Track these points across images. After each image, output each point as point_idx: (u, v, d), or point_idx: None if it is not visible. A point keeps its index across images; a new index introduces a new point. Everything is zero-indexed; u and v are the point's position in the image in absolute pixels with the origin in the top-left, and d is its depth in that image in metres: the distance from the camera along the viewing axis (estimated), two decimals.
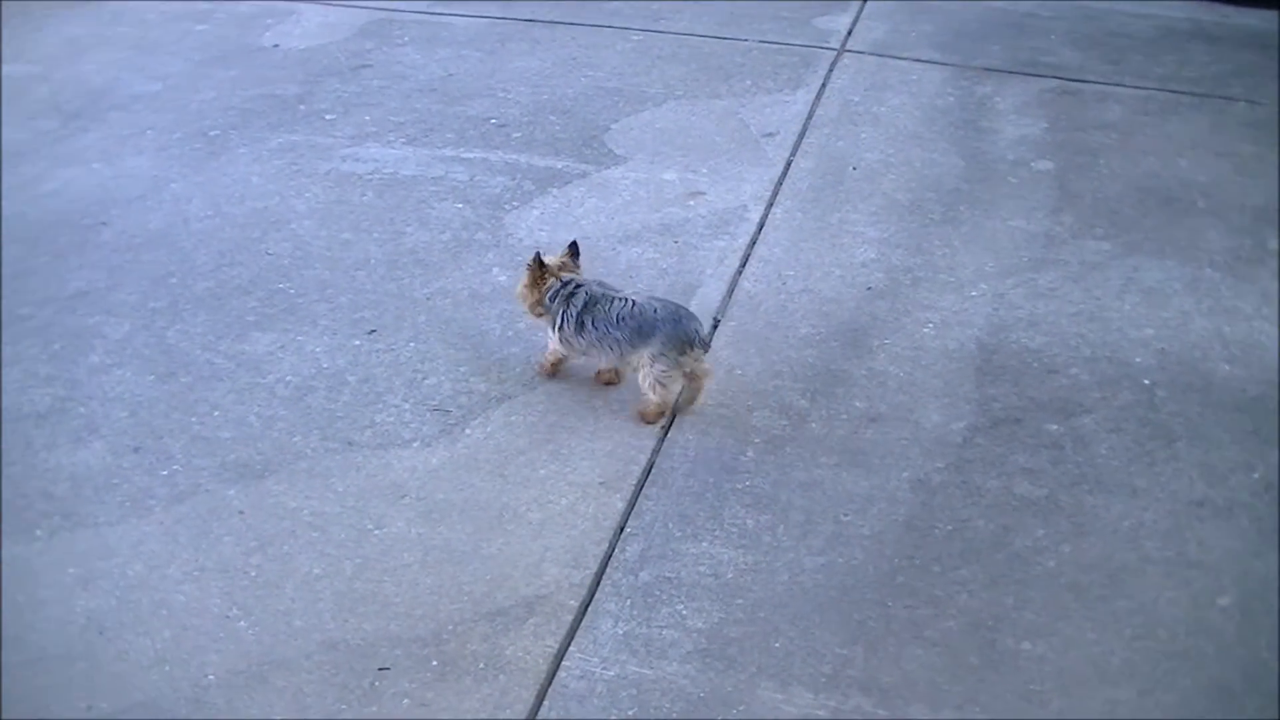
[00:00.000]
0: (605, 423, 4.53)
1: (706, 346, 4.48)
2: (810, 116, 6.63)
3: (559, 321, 4.53)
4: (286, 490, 4.26)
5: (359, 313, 5.11)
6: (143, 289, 5.29)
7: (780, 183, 6.00)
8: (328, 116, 6.65)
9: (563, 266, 4.59)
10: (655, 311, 4.39)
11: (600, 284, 4.56)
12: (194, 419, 4.58)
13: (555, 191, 5.90)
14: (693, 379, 4.50)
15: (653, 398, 4.46)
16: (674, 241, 5.53)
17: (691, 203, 5.82)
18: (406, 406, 4.62)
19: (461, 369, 4.80)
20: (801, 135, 6.44)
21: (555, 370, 4.76)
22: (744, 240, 5.56)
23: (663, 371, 4.39)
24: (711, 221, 5.69)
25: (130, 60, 7.40)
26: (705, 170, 6.09)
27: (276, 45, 7.52)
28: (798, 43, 7.51)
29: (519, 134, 6.42)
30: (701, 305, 5.11)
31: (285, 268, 5.40)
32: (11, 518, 4.18)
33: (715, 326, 5.00)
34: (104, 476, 4.34)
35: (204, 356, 4.89)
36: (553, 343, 4.61)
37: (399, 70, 7.15)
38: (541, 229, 5.62)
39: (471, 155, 6.22)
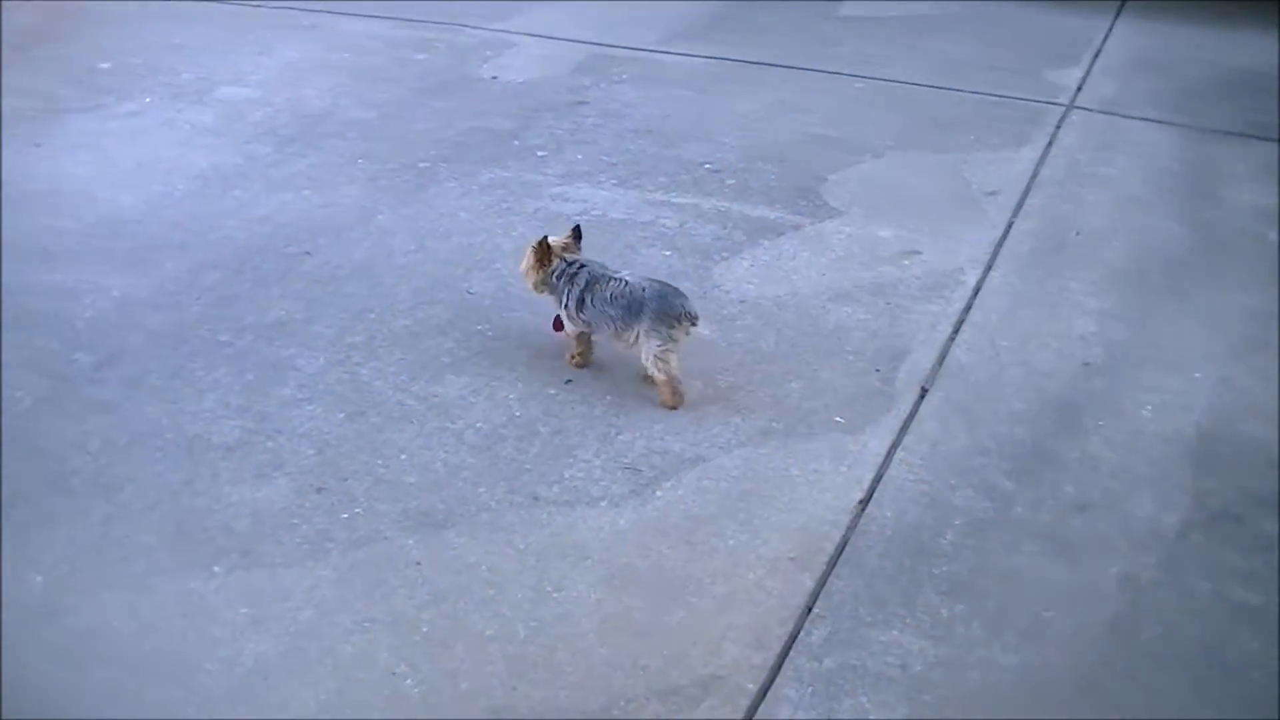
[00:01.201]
0: (801, 494, 4.35)
1: (694, 320, 4.66)
2: (1034, 175, 6.38)
3: (564, 300, 4.79)
4: (466, 543, 4.14)
5: (556, 360, 4.99)
6: (341, 322, 5.24)
7: (1000, 245, 5.76)
8: (540, 153, 6.57)
9: (565, 248, 4.85)
10: (644, 290, 4.63)
11: (601, 265, 4.81)
12: (379, 461, 4.49)
13: (766, 243, 5.74)
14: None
15: (658, 375, 4.68)
16: (885, 303, 5.33)
17: (906, 262, 5.62)
18: (597, 463, 4.49)
19: (657, 426, 4.65)
20: (1024, 195, 6.19)
21: (577, 346, 4.97)
22: (958, 305, 5.33)
23: (658, 347, 4.62)
24: (926, 283, 5.47)
25: (349, 87, 7.41)
26: (923, 228, 5.87)
27: (494, 77, 7.48)
28: (1025, 97, 7.26)
29: (732, 180, 6.27)
30: (911, 373, 4.93)
31: (485, 309, 5.32)
32: (192, 551, 4.14)
33: (923, 396, 4.77)
34: (285, 515, 4.28)
35: (395, 397, 4.81)
36: (564, 319, 4.85)
37: (614, 108, 7.05)
38: (750, 281, 5.46)
39: (682, 200, 6.08)
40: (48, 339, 5.21)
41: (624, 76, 7.50)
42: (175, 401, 4.83)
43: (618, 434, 4.63)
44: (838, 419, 4.70)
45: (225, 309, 5.38)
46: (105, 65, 7.85)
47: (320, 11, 8.56)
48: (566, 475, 4.44)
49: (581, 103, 7.15)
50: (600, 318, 4.72)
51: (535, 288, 4.91)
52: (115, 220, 6.07)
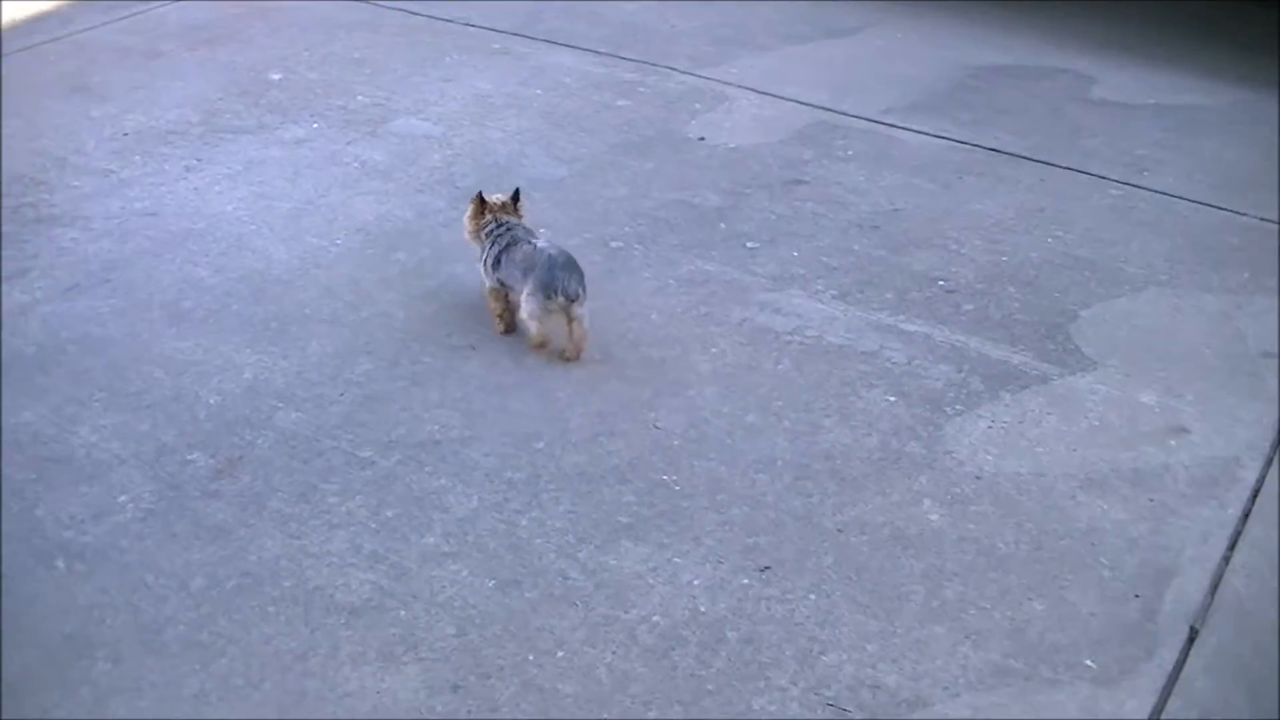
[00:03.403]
0: None
1: (570, 297, 4.78)
2: None
3: (483, 255, 5.01)
4: None
5: (753, 536, 4.13)
6: (503, 450, 4.43)
7: None
8: (749, 244, 5.68)
9: (503, 208, 5.07)
10: (539, 257, 4.80)
11: (526, 230, 5.01)
12: (531, 657, 3.70)
13: (1008, 398, 4.79)
14: (570, 326, 4.87)
15: (528, 330, 4.93)
16: (1148, 499, 4.37)
17: (1173, 442, 4.65)
18: (794, 692, 3.64)
19: (869, 646, 3.77)
20: None
21: (496, 306, 5.09)
22: (1234, 511, 4.38)
23: (530, 309, 4.82)
24: (1195, 475, 4.51)
25: (540, 133, 6.58)
26: (1190, 396, 4.89)
27: (702, 138, 6.59)
28: None
29: (971, 306, 5.32)
30: (1178, 603, 3.99)
31: (674, 451, 4.47)
32: None
33: (1192, 639, 3.82)
34: None
35: (558, 564, 3.99)
36: (481, 271, 5.06)
37: (837, 193, 6.12)
38: (988, 450, 4.55)
39: (912, 327, 5.15)
40: (164, 429, 4.50)
41: (850, 152, 6.56)
42: (299, 536, 4.06)
43: (821, 652, 3.76)
44: (1088, 662, 3.80)
45: (372, 413, 4.59)
46: (276, 76, 7.12)
47: (514, 35, 7.72)
48: (755, 706, 3.62)
49: (800, 181, 6.23)
50: (508, 278, 4.90)
51: (471, 238, 5.10)
52: (261, 278, 5.33)
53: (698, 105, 7.01)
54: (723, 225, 5.84)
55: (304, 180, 6.09)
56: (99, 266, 5.40)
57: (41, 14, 7.85)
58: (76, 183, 6.03)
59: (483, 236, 5.03)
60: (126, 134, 6.48)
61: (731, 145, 6.60)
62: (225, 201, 5.90)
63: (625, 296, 5.27)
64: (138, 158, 6.26)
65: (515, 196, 5.13)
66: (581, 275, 4.82)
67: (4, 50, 7.38)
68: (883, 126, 6.89)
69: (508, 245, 4.91)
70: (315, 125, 6.62)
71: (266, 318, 5.10)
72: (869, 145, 6.67)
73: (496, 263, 4.94)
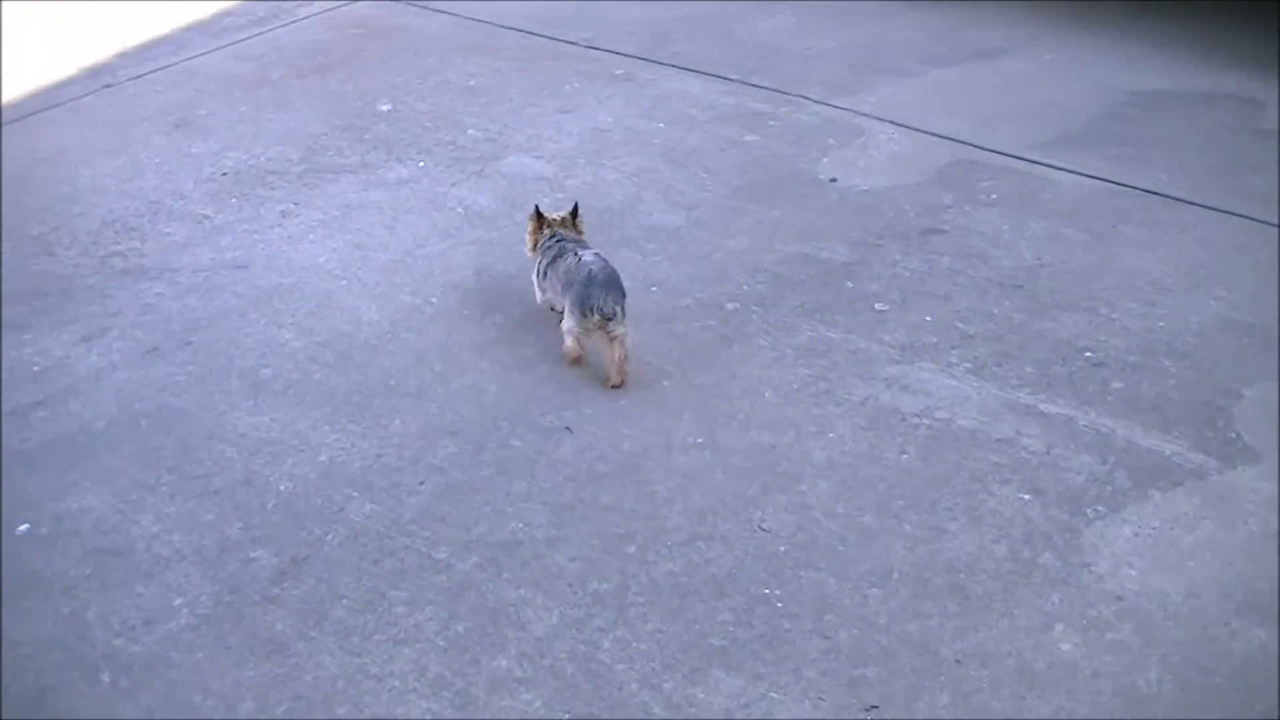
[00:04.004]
0: None
1: (608, 315, 4.63)
2: None
3: (536, 267, 4.96)
4: None
5: (861, 667, 3.69)
6: (591, 553, 4.03)
7: None
8: (878, 306, 5.19)
9: (562, 223, 5.02)
10: (579, 273, 4.66)
11: (578, 243, 4.90)
12: None
13: (1158, 497, 4.27)
14: (609, 344, 4.72)
15: (566, 343, 4.80)
16: None
17: None
18: None
19: None
20: None
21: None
22: None
23: (570, 326, 4.71)
24: None
25: (659, 174, 6.15)
26: None
27: (833, 179, 6.10)
28: None
29: (1120, 384, 4.79)
30: None
31: (779, 559, 4.03)
32: None
33: None
34: None
35: (640, 697, 3.58)
36: (533, 283, 5.02)
37: (978, 246, 5.60)
38: (1132, 563, 4.05)
39: (1053, 409, 4.65)
40: (230, 520, 4.17)
41: (993, 196, 6.03)
42: (360, 653, 3.70)
43: None
44: None
45: (452, 505, 4.23)
46: (385, 107, 6.78)
47: (639, 59, 7.30)
48: None
49: (937, 230, 5.72)
50: (551, 289, 4.84)
51: (529, 254, 5.07)
52: (348, 342, 4.98)
53: (831, 140, 6.52)
54: (850, 284, 5.36)
55: (402, 228, 5.73)
56: (181, 327, 5.09)
57: (155, 40, 7.61)
58: (169, 229, 5.74)
59: (539, 250, 4.97)
60: (225, 174, 6.18)
61: (865, 187, 6.11)
62: (318, 252, 5.56)
63: (738, 370, 4.83)
64: (234, 200, 5.94)
65: (574, 212, 5.07)
66: (622, 293, 4.68)
67: (114, 80, 7.11)
68: (1029, 164, 6.36)
69: (554, 258, 4.84)
70: (420, 164, 6.26)
71: (349, 389, 4.74)
72: (1015, 187, 6.13)
73: (544, 275, 4.90)
